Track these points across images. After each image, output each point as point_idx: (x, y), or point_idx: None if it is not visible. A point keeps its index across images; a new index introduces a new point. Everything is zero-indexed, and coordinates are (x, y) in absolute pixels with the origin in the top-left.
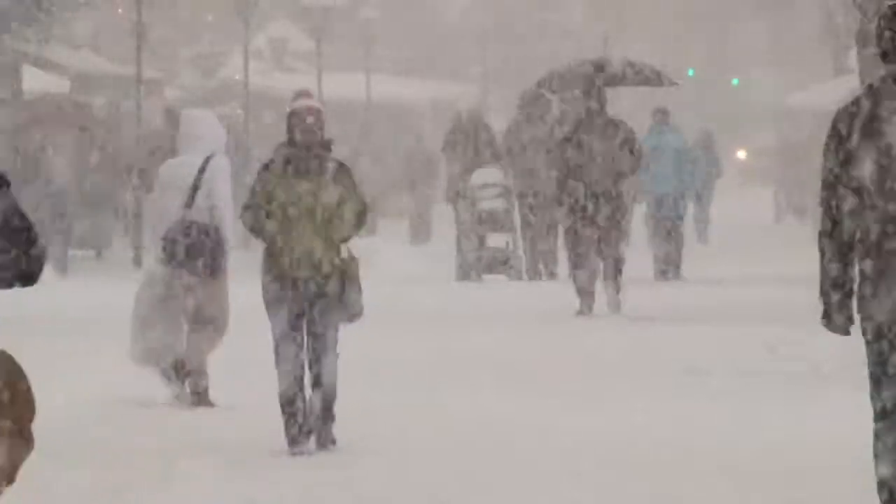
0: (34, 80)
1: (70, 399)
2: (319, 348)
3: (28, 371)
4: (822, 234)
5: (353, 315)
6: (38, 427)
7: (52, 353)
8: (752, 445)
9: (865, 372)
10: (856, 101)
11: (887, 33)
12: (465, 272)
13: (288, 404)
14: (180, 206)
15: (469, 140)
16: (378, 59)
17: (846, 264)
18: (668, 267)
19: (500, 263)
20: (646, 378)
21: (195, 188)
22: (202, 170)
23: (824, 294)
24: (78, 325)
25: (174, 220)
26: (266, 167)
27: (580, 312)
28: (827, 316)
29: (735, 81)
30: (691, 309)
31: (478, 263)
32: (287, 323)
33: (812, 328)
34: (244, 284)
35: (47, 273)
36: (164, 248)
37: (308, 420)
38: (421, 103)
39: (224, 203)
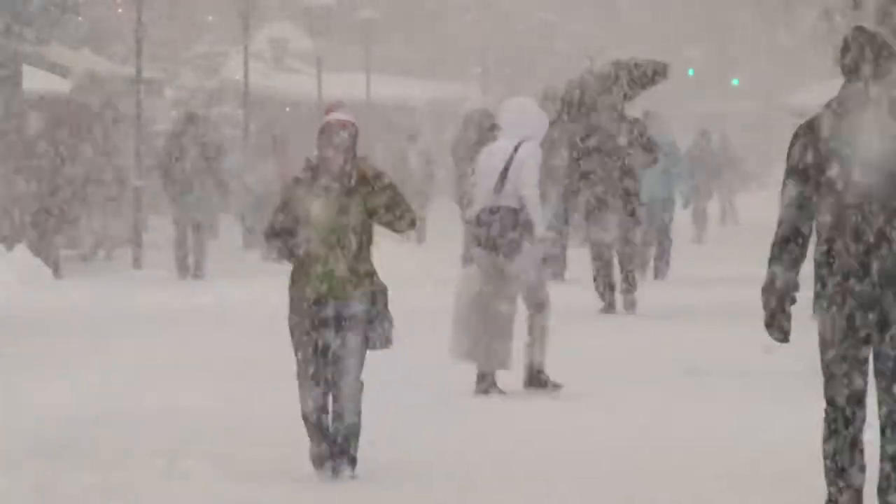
0: (34, 80)
1: (70, 399)
2: (338, 375)
3: (28, 371)
4: (778, 243)
5: (383, 342)
6: (38, 427)
7: (52, 353)
8: (751, 446)
9: None
10: (818, 116)
11: (853, 52)
12: None
13: (310, 429)
14: (490, 190)
15: (480, 140)
16: (378, 59)
17: (797, 272)
18: (657, 265)
19: None
20: (645, 378)
21: (504, 173)
22: (512, 156)
23: (772, 300)
24: (78, 325)
25: (484, 205)
26: (293, 183)
27: (603, 310)
28: (772, 321)
29: (735, 81)
30: (691, 309)
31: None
32: (311, 347)
33: (811, 328)
34: (248, 286)
35: (44, 273)
36: (474, 231)
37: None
38: (421, 103)
39: (530, 189)
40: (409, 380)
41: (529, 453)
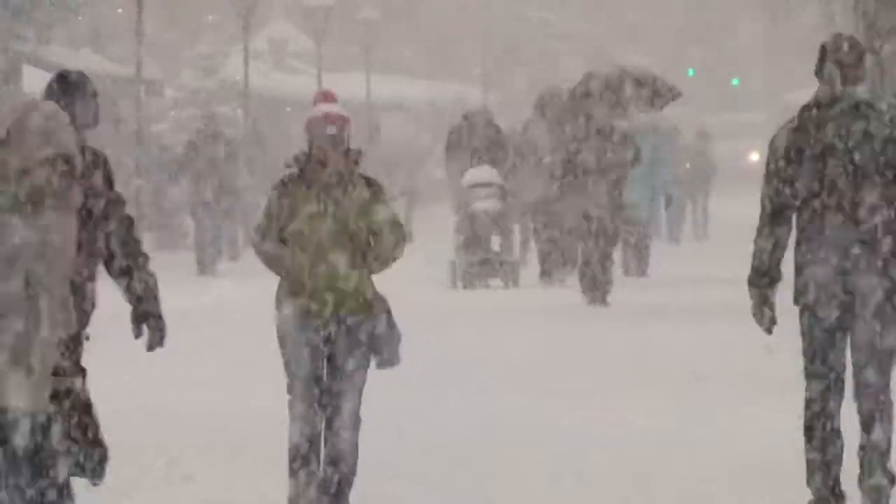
0: (34, 81)
1: None
2: (337, 406)
3: None
4: (761, 232)
5: (387, 361)
6: None
7: None
8: (751, 446)
9: None
10: (795, 118)
11: (825, 57)
12: (454, 277)
13: (298, 463)
14: None
15: (475, 139)
16: (378, 59)
17: (780, 260)
18: (637, 264)
19: (492, 268)
20: (646, 379)
21: None
22: None
23: (758, 287)
24: None
25: None
26: (281, 184)
27: (590, 303)
28: (759, 309)
29: (735, 81)
30: (691, 309)
31: (469, 268)
32: (304, 369)
33: None
34: (248, 286)
35: None
36: None
37: (320, 485)
38: (421, 103)
39: None
40: (406, 381)
41: (532, 452)
